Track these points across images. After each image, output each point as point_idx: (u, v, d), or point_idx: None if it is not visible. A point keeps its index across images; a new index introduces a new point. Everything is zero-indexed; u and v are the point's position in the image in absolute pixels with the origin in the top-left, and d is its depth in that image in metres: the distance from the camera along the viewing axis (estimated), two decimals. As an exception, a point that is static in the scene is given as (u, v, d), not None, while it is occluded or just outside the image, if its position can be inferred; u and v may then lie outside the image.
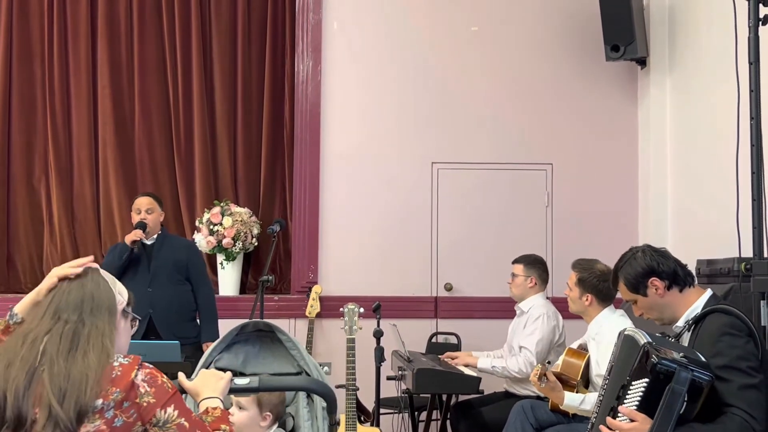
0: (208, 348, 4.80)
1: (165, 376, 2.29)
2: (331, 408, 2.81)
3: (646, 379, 2.53)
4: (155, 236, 5.24)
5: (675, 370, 2.48)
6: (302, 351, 3.22)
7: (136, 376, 2.24)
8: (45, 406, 2.16)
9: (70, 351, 2.25)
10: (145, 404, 2.22)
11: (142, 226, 5.14)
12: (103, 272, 2.47)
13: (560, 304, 4.76)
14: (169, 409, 2.23)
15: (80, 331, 2.29)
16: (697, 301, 2.94)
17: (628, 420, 2.57)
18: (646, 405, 2.54)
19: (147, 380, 2.24)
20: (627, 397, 2.60)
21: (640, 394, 2.55)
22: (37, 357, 2.25)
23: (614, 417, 2.62)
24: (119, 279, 5.15)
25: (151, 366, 2.30)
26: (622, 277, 3.06)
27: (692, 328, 2.85)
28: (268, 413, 2.97)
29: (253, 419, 2.94)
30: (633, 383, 2.59)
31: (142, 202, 5.25)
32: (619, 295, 3.28)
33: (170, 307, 5.09)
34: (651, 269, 2.97)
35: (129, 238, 5.08)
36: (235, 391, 2.65)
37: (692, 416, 2.55)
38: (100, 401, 2.18)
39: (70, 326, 2.29)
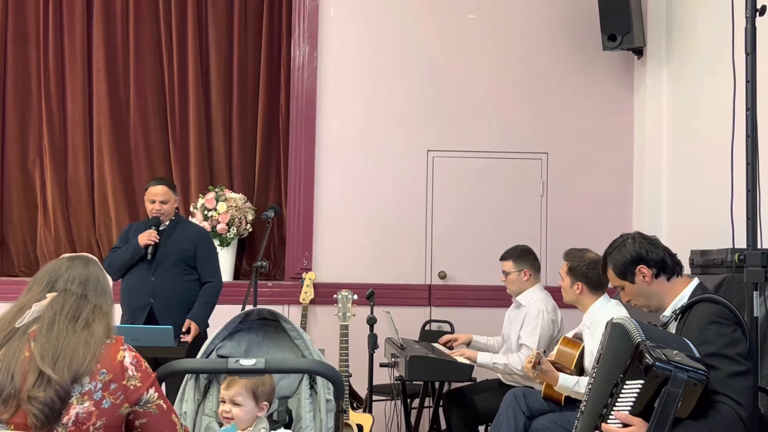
0: (194, 329, 4.83)
1: (146, 362, 2.38)
2: (339, 393, 2.78)
3: (641, 381, 2.51)
4: (167, 222, 5.08)
5: (671, 372, 2.47)
6: (307, 340, 3.18)
7: (124, 358, 2.30)
8: (34, 368, 2.18)
9: (72, 320, 2.29)
10: (131, 387, 2.29)
11: (156, 223, 5.01)
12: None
13: (555, 293, 4.76)
14: (151, 391, 2.33)
15: (83, 306, 2.34)
16: (683, 291, 2.96)
17: (622, 425, 2.56)
18: (641, 407, 2.52)
19: (134, 363, 2.32)
20: (621, 397, 2.58)
21: (635, 395, 2.53)
22: (19, 323, 2.28)
23: (607, 414, 2.61)
24: (127, 271, 5.13)
25: (133, 348, 2.36)
26: (611, 263, 3.08)
27: (679, 317, 2.86)
28: (265, 403, 2.93)
29: (251, 412, 2.90)
30: (627, 383, 2.57)
31: (157, 192, 5.02)
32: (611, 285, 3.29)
33: (171, 297, 4.96)
34: (639, 257, 2.99)
35: (143, 241, 4.93)
36: (241, 372, 2.63)
37: (686, 415, 2.54)
38: (87, 379, 2.22)
39: (74, 298, 2.33)
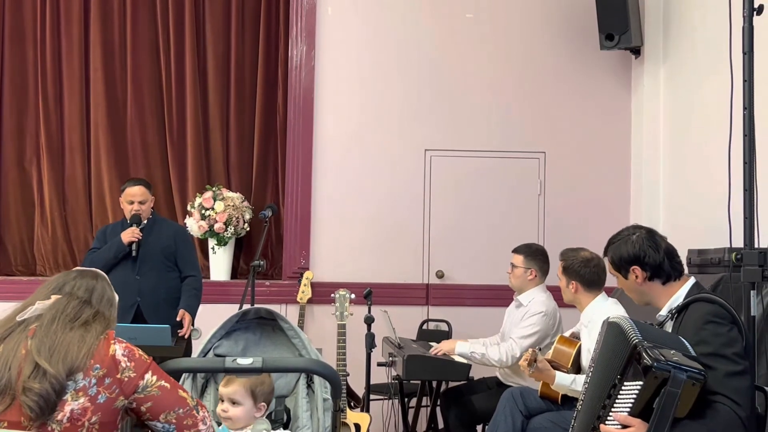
0: (188, 319, 4.85)
1: (139, 350, 2.38)
2: (336, 392, 2.78)
3: (640, 382, 2.50)
4: (145, 221, 5.08)
5: (670, 373, 2.46)
6: (304, 339, 3.18)
7: (115, 351, 2.32)
8: (30, 362, 2.21)
9: (71, 320, 2.32)
10: (126, 379, 2.30)
11: (137, 221, 5.01)
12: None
13: (553, 293, 4.76)
14: (147, 375, 2.33)
15: (85, 310, 2.38)
16: (679, 291, 2.95)
17: (621, 426, 2.55)
18: (640, 407, 2.52)
19: (126, 354, 2.33)
20: (619, 398, 2.57)
21: (634, 396, 2.53)
22: (21, 321, 2.31)
23: (605, 415, 2.61)
24: (109, 270, 5.11)
25: (123, 340, 2.37)
26: (610, 253, 3.08)
27: (675, 316, 2.86)
28: (263, 403, 2.93)
29: (249, 412, 2.90)
30: (625, 384, 2.56)
31: (136, 193, 5.04)
32: (610, 282, 3.29)
33: (157, 294, 4.98)
34: (636, 258, 2.97)
35: (126, 238, 4.93)
36: (238, 371, 2.64)
37: (684, 414, 2.53)
38: (81, 375, 2.23)
39: (78, 302, 2.37)
